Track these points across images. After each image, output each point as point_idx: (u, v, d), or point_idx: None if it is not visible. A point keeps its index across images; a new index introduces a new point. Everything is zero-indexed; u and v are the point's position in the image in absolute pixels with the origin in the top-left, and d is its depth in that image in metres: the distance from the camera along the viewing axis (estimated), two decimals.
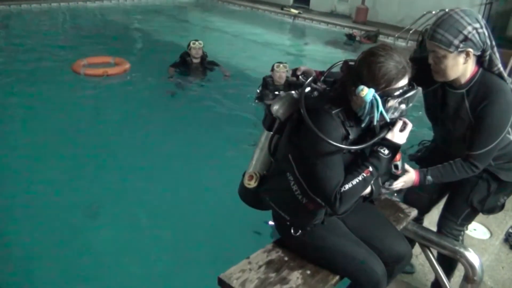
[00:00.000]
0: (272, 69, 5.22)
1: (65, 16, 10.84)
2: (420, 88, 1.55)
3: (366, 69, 1.47)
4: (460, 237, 2.25)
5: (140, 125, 5.01)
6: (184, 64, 6.14)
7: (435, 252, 2.20)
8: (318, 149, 1.49)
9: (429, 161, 1.99)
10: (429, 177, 1.91)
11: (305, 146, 1.55)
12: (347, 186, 1.51)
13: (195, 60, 6.11)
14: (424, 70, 1.81)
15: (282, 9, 12.38)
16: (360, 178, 1.53)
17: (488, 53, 1.74)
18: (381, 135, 1.56)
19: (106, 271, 2.83)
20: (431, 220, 2.60)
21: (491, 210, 2.15)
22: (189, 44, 6.10)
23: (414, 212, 2.19)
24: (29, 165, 4.00)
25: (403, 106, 1.53)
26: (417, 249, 2.43)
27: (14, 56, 7.07)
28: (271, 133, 1.74)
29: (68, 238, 3.09)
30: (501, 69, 1.78)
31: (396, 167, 1.78)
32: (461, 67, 1.75)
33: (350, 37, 9.58)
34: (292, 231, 1.71)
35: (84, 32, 9.07)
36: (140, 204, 3.54)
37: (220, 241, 3.05)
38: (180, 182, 3.87)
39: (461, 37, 1.66)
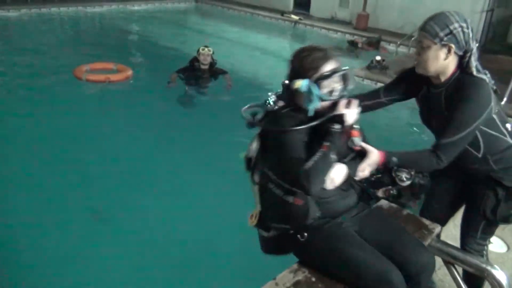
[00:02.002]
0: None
1: (65, 21, 10.77)
2: (348, 68, 1.71)
3: (296, 64, 1.72)
4: (484, 252, 2.20)
5: (142, 133, 4.94)
6: (192, 70, 6.04)
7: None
8: (280, 141, 1.66)
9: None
10: (394, 158, 1.89)
11: (271, 148, 1.73)
12: (309, 163, 1.59)
13: (203, 67, 6.01)
14: (414, 80, 1.99)
15: (282, 15, 12.37)
16: (319, 153, 1.61)
17: (468, 54, 1.81)
18: (330, 115, 1.66)
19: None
20: (448, 233, 2.57)
21: (505, 219, 2.11)
22: (198, 50, 6.02)
23: (438, 228, 2.15)
24: (29, 170, 3.94)
25: (338, 86, 1.68)
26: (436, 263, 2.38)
27: (14, 62, 6.99)
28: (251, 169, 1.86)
29: (72, 249, 3.02)
30: (474, 68, 1.83)
31: (352, 142, 1.80)
32: (440, 62, 1.83)
33: (352, 43, 9.56)
34: (299, 238, 1.70)
35: (85, 37, 9.03)
36: (149, 218, 3.44)
37: (243, 259, 2.95)
38: (190, 195, 3.77)
39: (446, 30, 1.78)
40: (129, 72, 6.49)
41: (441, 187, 2.28)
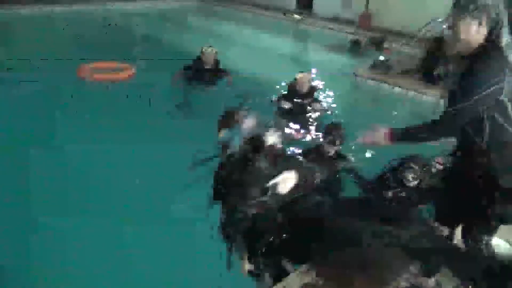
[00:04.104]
0: (295, 78, 5.22)
1: (68, 20, 10.75)
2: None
3: (219, 124, 2.11)
4: (483, 248, 2.20)
5: (144, 132, 4.90)
6: (195, 70, 5.93)
7: None
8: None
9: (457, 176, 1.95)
10: (398, 131, 2.00)
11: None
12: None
13: (206, 66, 5.90)
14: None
15: (284, 14, 12.35)
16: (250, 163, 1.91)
17: (499, 27, 1.86)
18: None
19: None
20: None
21: (501, 220, 2.13)
22: (201, 49, 5.93)
23: (445, 231, 2.13)
24: (26, 170, 3.91)
25: (251, 124, 2.02)
26: None
27: (18, 60, 6.97)
28: None
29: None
30: (504, 42, 1.86)
31: None
32: (471, 35, 1.88)
33: (356, 43, 9.52)
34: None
35: (88, 36, 9.00)
36: (156, 223, 3.36)
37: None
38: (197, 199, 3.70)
39: (477, 3, 1.85)
40: (132, 71, 6.48)
41: (452, 188, 2.26)
